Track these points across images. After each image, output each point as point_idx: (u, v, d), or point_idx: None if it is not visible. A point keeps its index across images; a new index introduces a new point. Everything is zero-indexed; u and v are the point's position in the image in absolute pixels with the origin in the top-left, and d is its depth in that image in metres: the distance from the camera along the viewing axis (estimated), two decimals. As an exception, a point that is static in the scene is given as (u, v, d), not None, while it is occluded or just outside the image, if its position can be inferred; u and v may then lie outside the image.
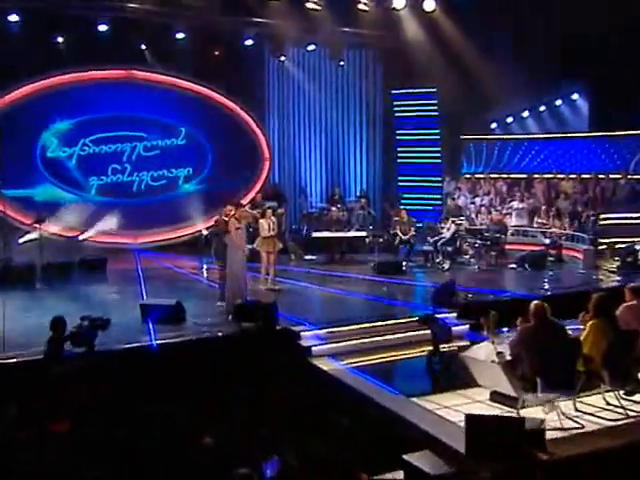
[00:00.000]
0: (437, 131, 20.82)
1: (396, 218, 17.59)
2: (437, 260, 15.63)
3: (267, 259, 13.08)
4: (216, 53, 18.40)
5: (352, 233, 17.10)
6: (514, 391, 7.39)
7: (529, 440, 5.93)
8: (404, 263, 15.55)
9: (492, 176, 20.26)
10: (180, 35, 17.55)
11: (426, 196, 21.05)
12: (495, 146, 21.02)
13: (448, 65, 19.16)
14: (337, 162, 21.25)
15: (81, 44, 16.31)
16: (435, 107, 20.68)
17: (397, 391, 8.36)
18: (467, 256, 16.53)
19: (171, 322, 10.11)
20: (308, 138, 20.92)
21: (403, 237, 16.42)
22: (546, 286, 13.53)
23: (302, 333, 10.08)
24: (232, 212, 11.35)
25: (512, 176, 20.14)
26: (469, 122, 20.25)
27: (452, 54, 19.08)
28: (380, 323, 10.60)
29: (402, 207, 17.70)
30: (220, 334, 9.85)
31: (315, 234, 16.85)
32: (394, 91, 21.05)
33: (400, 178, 21.41)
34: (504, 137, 21.16)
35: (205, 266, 14.48)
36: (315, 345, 9.88)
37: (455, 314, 11.19)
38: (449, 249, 16.02)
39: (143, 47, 17.45)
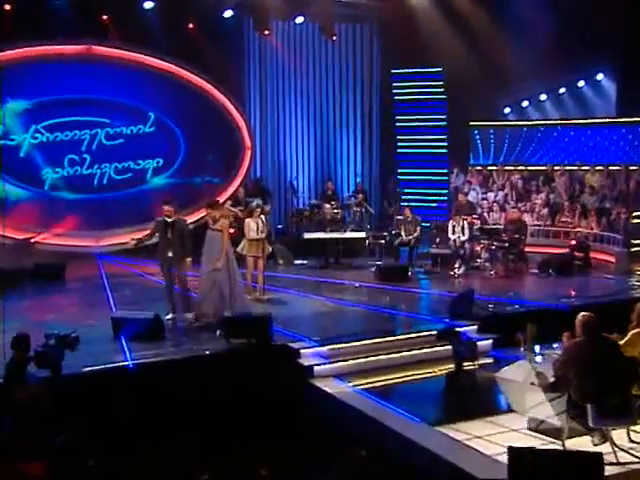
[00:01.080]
0: (443, 117, 21.05)
1: (398, 217, 17.53)
2: (456, 265, 15.51)
3: (255, 265, 12.87)
4: (190, 26, 18.19)
5: (349, 234, 16.97)
6: (558, 418, 7.25)
7: (586, 478, 5.76)
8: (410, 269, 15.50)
9: (507, 168, 20.20)
10: (148, 4, 17.35)
11: (430, 191, 21.22)
12: (509, 134, 20.99)
13: (456, 41, 19.19)
14: (329, 152, 21.27)
15: (33, 14, 16.00)
16: (441, 89, 20.84)
17: (418, 418, 8.18)
18: (480, 260, 16.44)
19: (148, 338, 9.91)
20: (295, 125, 20.87)
21: (405, 238, 16.29)
22: (574, 294, 13.43)
23: (302, 351, 9.90)
24: (210, 212, 11.12)
25: (529, 168, 20.10)
26: (480, 106, 20.20)
27: (461, 28, 19.10)
28: (391, 338, 10.48)
29: (407, 205, 17.60)
30: (207, 352, 9.59)
31: (307, 235, 16.72)
32: (394, 71, 21.13)
33: (400, 171, 21.56)
34: (519, 123, 21.13)
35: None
36: (317, 364, 9.72)
37: (475, 327, 11.02)
38: (464, 252, 15.97)
39: (105, 18, 17.20)
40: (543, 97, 21.36)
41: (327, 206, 17.45)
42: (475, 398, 8.95)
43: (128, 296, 13.21)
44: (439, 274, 15.70)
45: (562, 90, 21.10)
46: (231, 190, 18.81)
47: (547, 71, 19.73)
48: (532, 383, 7.40)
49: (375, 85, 21.16)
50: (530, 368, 7.59)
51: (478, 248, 16.56)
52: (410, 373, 9.83)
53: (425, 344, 10.32)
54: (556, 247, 16.90)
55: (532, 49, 18.65)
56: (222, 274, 10.87)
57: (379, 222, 19.69)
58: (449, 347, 9.87)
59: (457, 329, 10.16)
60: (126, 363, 9.04)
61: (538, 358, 7.89)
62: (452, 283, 14.72)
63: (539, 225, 18.00)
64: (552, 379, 7.22)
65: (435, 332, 10.24)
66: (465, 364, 9.57)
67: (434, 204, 20.84)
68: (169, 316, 11.16)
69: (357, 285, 14.23)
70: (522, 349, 7.94)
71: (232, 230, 16.97)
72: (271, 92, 20.38)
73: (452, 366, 9.62)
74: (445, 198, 21.04)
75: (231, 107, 19.14)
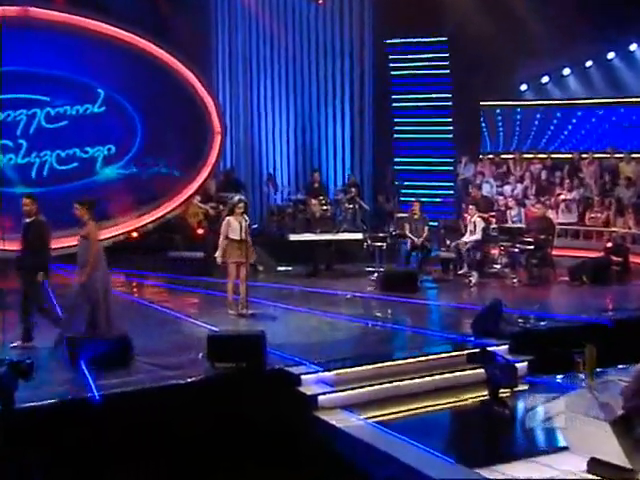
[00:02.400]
0: (448, 95, 20.96)
1: (399, 215, 17.40)
2: (462, 271, 15.53)
3: (237, 273, 12.69)
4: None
5: (344, 235, 16.90)
6: (628, 459, 7.03)
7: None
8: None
9: (525, 156, 20.15)
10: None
11: (433, 184, 21.08)
12: (527, 115, 21.04)
13: (462, 4, 19.12)
14: (312, 138, 21.31)
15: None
16: (446, 63, 20.76)
17: (451, 458, 7.94)
18: (498, 265, 16.43)
19: (114, 363, 9.65)
20: (273, 106, 20.92)
21: (416, 240, 16.24)
22: (612, 306, 13.48)
23: (303, 377, 9.67)
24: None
25: (552, 156, 20.09)
26: (491, 83, 20.25)
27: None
28: (409, 361, 10.28)
29: (416, 200, 17.44)
30: (188, 380, 9.30)
31: (293, 237, 16.64)
32: (390, 41, 20.98)
33: (398, 160, 21.43)
34: (538, 103, 21.22)
35: None
36: (322, 393, 9.49)
37: (506, 347, 10.86)
38: (477, 256, 15.94)
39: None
40: (566, 72, 21.40)
41: (314, 202, 17.36)
42: (516, 433, 8.72)
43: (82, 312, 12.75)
44: (451, 282, 15.76)
45: (589, 63, 21.12)
46: (198, 183, 18.69)
47: (571, 41, 19.62)
48: (597, 417, 7.16)
49: (368, 58, 21.15)
50: (591, 398, 7.35)
51: (494, 251, 16.52)
52: (434, 402, 9.59)
53: (451, 367, 10.15)
54: (588, 250, 16.94)
55: (552, 15, 18.62)
56: (94, 291, 10.50)
57: (374, 220, 19.67)
58: (481, 371, 9.66)
59: (491, 349, 9.94)
60: (91, 394, 8.65)
61: (598, 385, 7.68)
62: (468, 293, 14.78)
63: (566, 224, 17.96)
64: (622, 411, 7.00)
65: (465, 353, 10.07)
66: (501, 391, 9.32)
67: (438, 199, 20.73)
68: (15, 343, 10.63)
69: (348, 296, 14.26)
70: (579, 375, 7.70)
71: (201, 230, 17.17)
72: (244, 67, 20.45)
73: (485, 394, 9.41)
74: (451, 192, 21.06)
75: (197, 84, 19.01)
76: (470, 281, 15.35)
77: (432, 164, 21.17)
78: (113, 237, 17.48)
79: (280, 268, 16.70)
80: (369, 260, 16.90)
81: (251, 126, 20.61)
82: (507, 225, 16.97)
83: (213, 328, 11.15)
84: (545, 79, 21.58)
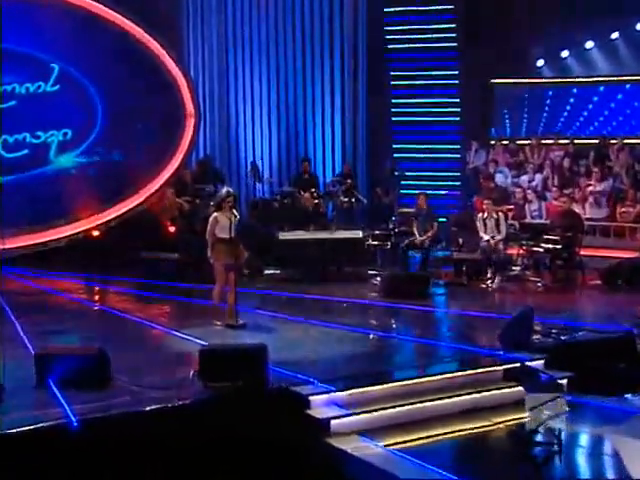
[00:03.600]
0: (455, 72, 21.06)
1: (403, 210, 17.47)
2: (488, 276, 15.73)
3: (226, 277, 12.65)
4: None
5: (342, 233, 16.91)
6: None
7: None
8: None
9: (544, 142, 20.19)
10: None
11: (438, 174, 21.16)
12: (545, 94, 21.18)
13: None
14: (297, 121, 21.33)
15: None
16: (452, 35, 20.87)
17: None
18: (517, 267, 16.56)
19: (91, 383, 9.55)
20: (254, 85, 20.93)
21: (418, 238, 16.37)
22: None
23: (312, 398, 9.57)
24: None
25: (576, 141, 20.18)
26: (505, 58, 20.37)
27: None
28: (432, 378, 10.25)
29: (422, 192, 17.56)
30: (179, 402, 9.19)
31: (283, 236, 16.67)
32: (387, 9, 20.98)
33: (397, 146, 21.41)
34: (558, 80, 21.35)
35: None
36: (335, 416, 9.40)
37: (541, 362, 10.81)
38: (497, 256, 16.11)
39: None
40: (589, 44, 21.43)
41: (306, 195, 17.43)
42: (566, 462, 8.61)
43: (43, 323, 12.86)
44: (466, 287, 15.85)
45: (615, 35, 21.16)
46: (169, 172, 18.65)
47: (594, 10, 19.80)
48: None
49: (361, 31, 21.20)
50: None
51: (513, 251, 16.64)
52: (463, 426, 9.52)
53: (480, 385, 10.12)
54: (619, 249, 17.01)
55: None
56: None
57: (371, 216, 19.65)
58: (516, 389, 9.75)
59: (532, 365, 10.11)
60: (67, 419, 8.57)
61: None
62: (488, 299, 14.86)
63: (595, 220, 18.05)
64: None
65: (502, 369, 10.10)
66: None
67: (443, 192, 20.72)
68: None
69: (344, 306, 14.28)
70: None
71: (173, 228, 17.09)
72: (221, 39, 20.48)
73: (523, 416, 9.41)
74: (457, 183, 21.10)
75: (168, 59, 18.95)
76: (488, 286, 15.50)
77: (436, 151, 21.26)
78: (70, 236, 17.58)
79: (267, 271, 16.52)
80: (370, 262, 17.06)
81: (227, 108, 20.63)
82: (529, 221, 17.01)
83: (199, 341, 11.03)
84: (565, 53, 21.59)
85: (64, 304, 14.16)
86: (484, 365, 10.56)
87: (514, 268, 16.47)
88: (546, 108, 21.05)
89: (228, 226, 12.55)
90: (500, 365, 10.43)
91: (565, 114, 20.89)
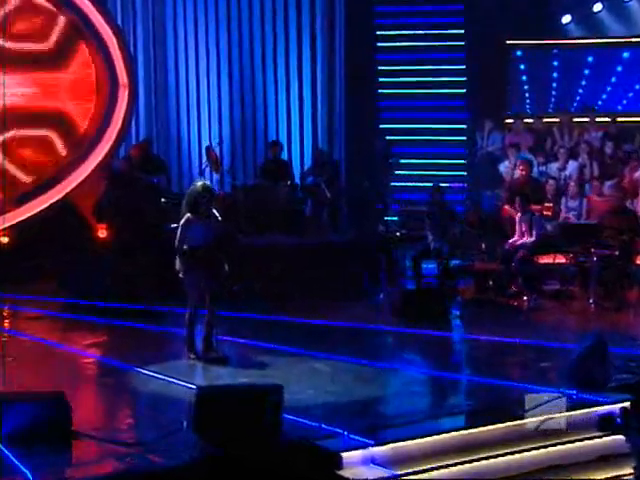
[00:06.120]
0: (460, 31, 21.05)
1: (408, 208, 17.39)
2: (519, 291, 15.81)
3: (200, 296, 12.69)
4: None
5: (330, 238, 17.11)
6: None
7: None
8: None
9: (577, 120, 20.20)
10: None
11: (438, 161, 21.21)
12: (574, 58, 21.31)
13: None
14: (254, 96, 21.28)
15: None
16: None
17: None
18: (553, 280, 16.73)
19: (48, 438, 9.42)
20: (197, 49, 20.96)
21: (432, 244, 16.42)
22: None
23: (344, 455, 9.36)
24: None
25: (619, 119, 20.24)
26: (523, 14, 20.40)
27: None
28: (495, 427, 10.13)
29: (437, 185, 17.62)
30: (171, 465, 9.12)
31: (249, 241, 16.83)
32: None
33: (385, 126, 21.43)
34: (590, 41, 21.39)
35: None
36: (375, 479, 9.25)
37: (627, 403, 10.75)
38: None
39: None
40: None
41: (285, 189, 17.56)
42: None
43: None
44: (494, 304, 15.93)
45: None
46: (99, 157, 18.56)
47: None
48: None
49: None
50: None
51: (545, 259, 16.71)
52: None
53: (558, 435, 10.05)
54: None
55: None
56: None
57: (355, 216, 19.68)
58: (613, 438, 9.78)
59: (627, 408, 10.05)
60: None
61: None
62: (529, 322, 14.93)
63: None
64: None
65: (598, 416, 10.13)
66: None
67: (444, 184, 20.57)
68: None
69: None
70: None
71: (104, 232, 16.91)
72: None
73: (624, 473, 9.40)
74: (463, 173, 20.99)
75: (97, 15, 18.85)
76: (527, 303, 15.69)
77: (436, 132, 21.13)
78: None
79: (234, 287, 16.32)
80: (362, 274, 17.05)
81: (167, 80, 20.57)
82: (573, 222, 17.14)
83: (177, 381, 11.19)
84: (597, 6, 21.56)
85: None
86: (558, 409, 10.34)
87: (550, 281, 16.64)
88: (578, 76, 21.19)
89: (203, 231, 12.47)
90: (580, 408, 10.39)
91: (610, 83, 21.10)
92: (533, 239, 16.09)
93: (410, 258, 16.67)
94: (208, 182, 13.61)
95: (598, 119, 20.17)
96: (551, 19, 21.40)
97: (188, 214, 12.57)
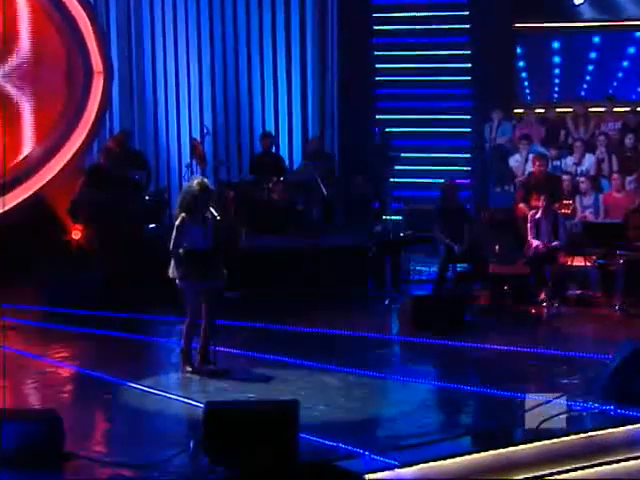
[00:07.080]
0: (465, 13, 21.19)
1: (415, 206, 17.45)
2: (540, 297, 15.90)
3: (198, 305, 12.76)
4: None
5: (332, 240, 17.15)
6: None
7: None
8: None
9: (593, 110, 20.27)
10: None
11: (440, 155, 21.27)
12: (588, 43, 21.36)
13: None
14: (238, 82, 21.41)
15: None
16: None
17: None
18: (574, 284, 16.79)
19: (40, 459, 9.47)
20: (187, 32, 21.04)
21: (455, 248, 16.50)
22: None
23: (368, 476, 9.31)
24: None
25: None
26: None
27: None
28: (533, 445, 9.99)
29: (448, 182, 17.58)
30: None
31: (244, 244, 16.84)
32: None
33: (382, 116, 21.47)
34: (605, 24, 21.33)
35: None
36: (402, 506, 9.39)
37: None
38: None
39: None
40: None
41: (279, 185, 17.61)
42: None
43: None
44: (511, 312, 15.96)
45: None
46: (68, 152, 18.55)
47: None
48: None
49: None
50: None
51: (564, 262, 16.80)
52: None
53: (608, 454, 9.89)
54: None
55: None
56: None
57: (349, 214, 19.55)
58: None
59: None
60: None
61: None
62: (552, 331, 15.12)
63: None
64: None
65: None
66: None
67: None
68: None
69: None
70: None
71: (78, 234, 16.92)
72: None
73: None
74: (468, 169, 21.12)
75: None
76: (549, 309, 15.81)
77: (438, 123, 21.16)
78: None
79: (227, 293, 16.29)
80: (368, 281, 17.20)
81: (143, 66, 20.60)
82: (596, 222, 17.21)
83: (173, 397, 11.33)
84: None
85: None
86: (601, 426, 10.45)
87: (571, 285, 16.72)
88: (602, 62, 21.33)
89: (202, 233, 12.41)
90: (621, 425, 10.37)
91: (625, 70, 21.13)
92: (559, 242, 16.19)
93: (440, 261, 16.62)
94: (206, 179, 13.56)
95: (616, 109, 20.26)
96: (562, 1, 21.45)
97: (183, 214, 12.53)
